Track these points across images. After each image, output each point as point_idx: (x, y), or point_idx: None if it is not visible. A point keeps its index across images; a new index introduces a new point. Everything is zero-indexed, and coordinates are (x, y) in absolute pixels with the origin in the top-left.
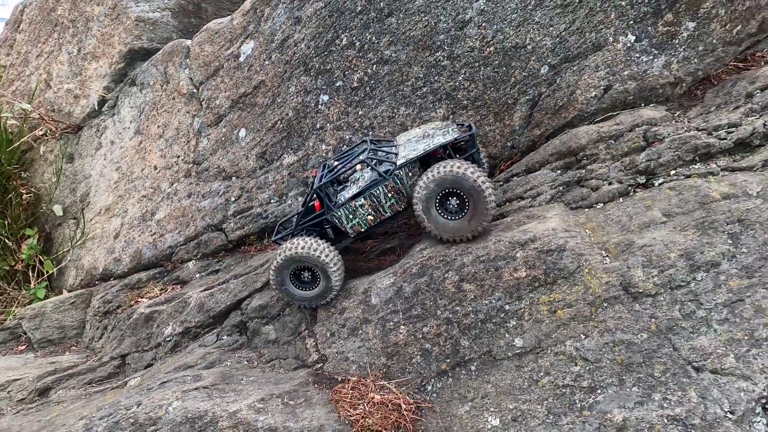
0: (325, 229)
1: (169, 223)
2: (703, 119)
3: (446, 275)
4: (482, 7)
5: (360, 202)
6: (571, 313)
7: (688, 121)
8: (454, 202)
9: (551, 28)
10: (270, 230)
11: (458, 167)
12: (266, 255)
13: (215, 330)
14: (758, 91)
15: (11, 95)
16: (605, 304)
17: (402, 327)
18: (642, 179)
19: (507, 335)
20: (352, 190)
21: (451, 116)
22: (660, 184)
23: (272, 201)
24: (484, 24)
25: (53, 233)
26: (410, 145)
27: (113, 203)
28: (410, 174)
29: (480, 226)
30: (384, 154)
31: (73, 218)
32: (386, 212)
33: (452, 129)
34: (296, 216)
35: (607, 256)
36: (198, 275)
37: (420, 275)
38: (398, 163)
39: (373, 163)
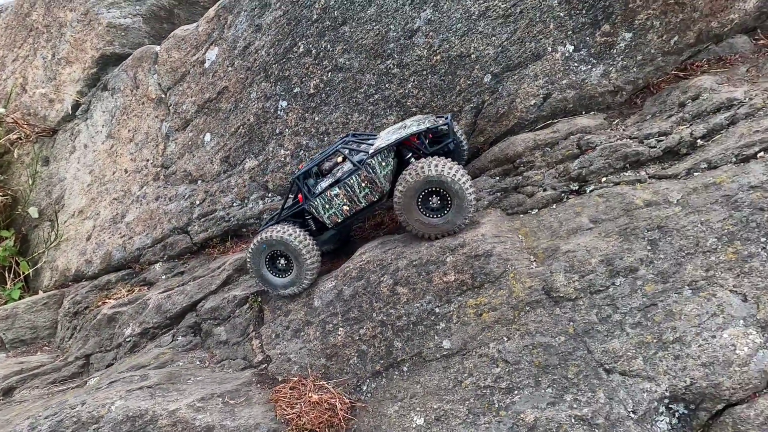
0: (307, 220)
1: (137, 226)
2: (638, 127)
3: (382, 279)
4: (429, 17)
5: (335, 192)
6: (495, 316)
7: (624, 129)
8: (435, 200)
9: (494, 38)
10: (232, 233)
11: (439, 167)
12: (227, 257)
13: (171, 331)
14: (690, 100)
15: None
16: (528, 308)
17: (341, 329)
18: (575, 186)
19: (436, 337)
20: (329, 180)
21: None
22: (591, 191)
23: (234, 204)
24: (431, 33)
25: (30, 235)
26: (387, 136)
27: (86, 206)
28: (383, 164)
29: (462, 222)
30: (364, 146)
31: (48, 220)
32: (361, 202)
33: (428, 120)
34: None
35: (534, 260)
36: (164, 277)
37: (358, 279)
38: (370, 152)
39: (349, 153)
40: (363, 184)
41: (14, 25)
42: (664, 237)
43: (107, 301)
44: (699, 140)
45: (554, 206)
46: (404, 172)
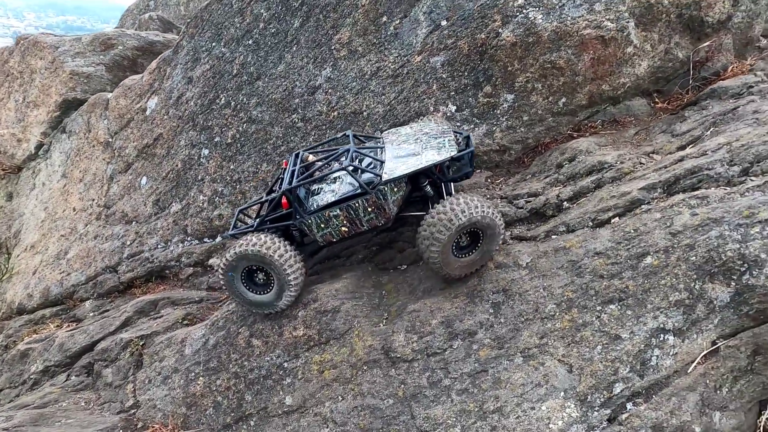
0: (291, 230)
1: (76, 263)
2: (513, 187)
3: (240, 330)
4: (329, 75)
5: (335, 213)
6: (335, 374)
7: (500, 189)
8: (465, 239)
9: (383, 97)
10: (156, 274)
11: (486, 210)
12: (146, 298)
13: (68, 370)
14: (567, 161)
15: None
16: (365, 368)
17: (201, 378)
18: None
19: (281, 392)
20: (327, 196)
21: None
22: None
23: (159, 246)
24: (330, 90)
25: None
26: (398, 150)
27: (38, 241)
28: (395, 189)
29: (489, 257)
30: (368, 160)
31: (7, 253)
32: (363, 226)
33: (448, 141)
34: (258, 205)
35: (386, 318)
36: (92, 314)
37: (221, 329)
38: (384, 177)
39: (356, 172)
40: (369, 209)
41: None
42: (507, 300)
43: (33, 335)
44: (565, 203)
45: (420, 263)
46: (429, 219)
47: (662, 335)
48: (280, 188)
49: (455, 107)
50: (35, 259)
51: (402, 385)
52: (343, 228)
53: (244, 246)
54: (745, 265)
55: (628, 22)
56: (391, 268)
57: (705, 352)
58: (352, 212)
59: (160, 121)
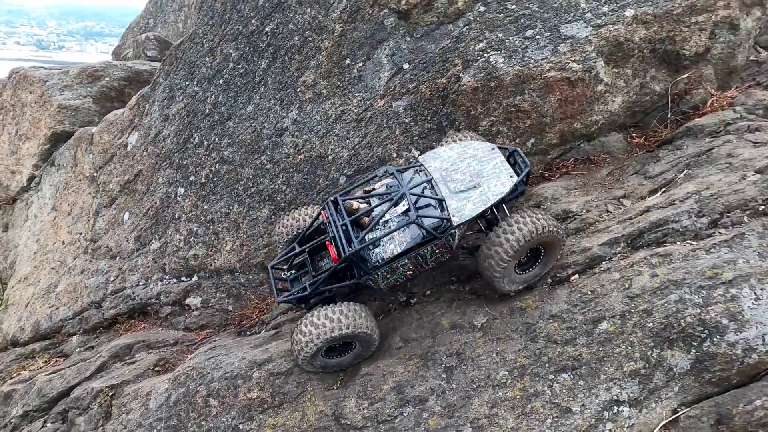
0: (345, 274)
1: (64, 297)
2: (476, 235)
3: (198, 388)
4: (295, 117)
5: (403, 263)
6: None
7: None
8: (525, 255)
9: (347, 141)
10: (137, 311)
11: (553, 227)
12: (121, 342)
13: (45, 416)
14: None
15: None
16: None
17: None
18: (403, 297)
19: None
20: (390, 247)
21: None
22: (414, 304)
23: (140, 283)
24: (296, 133)
25: None
26: (453, 183)
27: (30, 273)
28: (462, 227)
29: (549, 267)
30: (424, 200)
31: (2, 284)
32: (428, 265)
33: (501, 162)
34: (292, 255)
35: (341, 379)
36: (78, 350)
37: (182, 385)
38: (454, 220)
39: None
40: (437, 251)
41: None
42: (460, 365)
43: (23, 372)
44: None
45: (381, 317)
46: (497, 243)
47: (616, 407)
48: (314, 237)
49: (419, 152)
50: (28, 291)
51: None
52: (409, 272)
53: (326, 330)
54: (706, 331)
55: (595, 61)
56: None
57: (665, 421)
58: (420, 258)
59: (140, 158)
